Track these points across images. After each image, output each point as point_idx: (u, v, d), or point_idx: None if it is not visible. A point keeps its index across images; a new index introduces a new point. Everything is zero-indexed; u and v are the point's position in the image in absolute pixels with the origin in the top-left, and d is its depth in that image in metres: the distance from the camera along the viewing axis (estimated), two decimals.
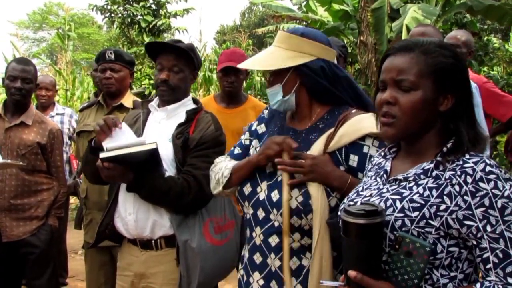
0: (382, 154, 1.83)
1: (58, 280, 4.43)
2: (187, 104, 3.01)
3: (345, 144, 2.17)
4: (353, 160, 2.17)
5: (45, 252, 3.86)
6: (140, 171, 2.71)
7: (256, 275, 2.29)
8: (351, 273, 1.51)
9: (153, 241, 2.85)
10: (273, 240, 2.24)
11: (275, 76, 2.30)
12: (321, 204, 2.12)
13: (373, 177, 1.79)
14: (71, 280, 5.78)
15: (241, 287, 2.37)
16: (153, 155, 2.64)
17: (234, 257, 2.97)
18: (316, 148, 2.21)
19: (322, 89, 2.28)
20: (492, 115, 4.24)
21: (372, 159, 1.89)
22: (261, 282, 2.26)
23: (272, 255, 2.24)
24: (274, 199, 2.20)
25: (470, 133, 1.59)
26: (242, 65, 2.42)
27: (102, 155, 2.60)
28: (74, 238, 6.52)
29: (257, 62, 2.35)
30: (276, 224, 2.21)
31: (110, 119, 2.71)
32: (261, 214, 2.25)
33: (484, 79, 4.46)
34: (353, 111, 2.23)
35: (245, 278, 2.35)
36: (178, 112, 2.96)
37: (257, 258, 2.30)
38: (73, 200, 9.56)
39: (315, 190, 2.13)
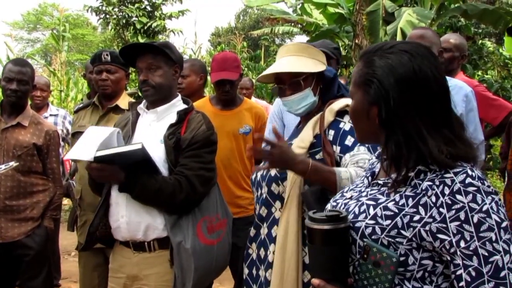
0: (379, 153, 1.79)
1: (53, 281, 4.41)
2: (177, 104, 3.01)
3: (329, 122, 2.46)
4: (330, 134, 2.45)
5: (40, 253, 3.84)
6: (131, 171, 2.72)
7: (253, 246, 2.60)
8: (314, 281, 1.49)
9: (146, 243, 2.84)
10: (263, 211, 2.55)
11: (300, 82, 2.54)
12: (294, 174, 2.39)
13: (362, 178, 1.75)
14: (64, 282, 5.77)
15: (246, 262, 2.66)
16: (142, 155, 2.65)
17: (227, 256, 3.00)
18: (305, 133, 2.50)
19: (334, 93, 2.60)
20: (483, 118, 4.23)
21: (370, 158, 1.88)
22: (256, 251, 2.57)
23: (264, 224, 2.54)
24: (264, 175, 2.56)
25: (434, 147, 1.45)
26: (272, 70, 2.62)
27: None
28: (67, 239, 6.50)
29: (289, 66, 2.55)
30: (264, 195, 2.53)
31: None
32: (258, 192, 2.60)
33: (475, 83, 4.46)
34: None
35: (245, 252, 2.66)
36: (168, 113, 2.96)
37: (252, 231, 2.62)
38: (66, 202, 9.53)
39: None
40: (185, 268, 2.73)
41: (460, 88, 3.56)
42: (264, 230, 2.54)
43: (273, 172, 2.51)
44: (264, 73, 2.65)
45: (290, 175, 2.40)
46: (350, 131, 2.41)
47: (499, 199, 1.44)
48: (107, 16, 12.68)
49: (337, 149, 2.42)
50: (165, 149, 2.81)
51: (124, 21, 12.43)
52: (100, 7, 12.53)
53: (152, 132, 2.91)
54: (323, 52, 3.81)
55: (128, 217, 2.82)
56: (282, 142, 2.27)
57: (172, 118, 2.91)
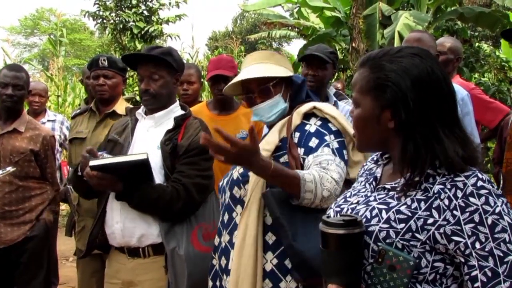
0: (375, 159, 1.80)
1: (50, 286, 4.39)
2: (175, 110, 3.02)
3: (296, 125, 2.39)
4: (296, 137, 2.38)
5: (37, 254, 3.83)
6: (129, 180, 2.71)
7: (216, 256, 2.48)
8: (332, 286, 1.49)
9: (140, 249, 2.85)
10: (226, 217, 2.44)
11: (269, 89, 2.45)
12: (257, 176, 2.25)
13: (363, 183, 1.75)
14: (62, 287, 5.76)
15: (210, 273, 2.52)
16: (144, 165, 2.64)
17: None
18: (271, 136, 2.42)
19: (302, 99, 2.52)
20: (479, 121, 4.24)
21: (365, 164, 1.87)
22: (218, 261, 2.45)
23: (225, 231, 2.43)
24: (228, 179, 2.47)
25: (451, 148, 1.49)
26: (240, 78, 2.50)
27: (92, 163, 2.61)
28: (65, 245, 6.51)
29: (257, 72, 2.45)
30: (227, 201, 2.42)
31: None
32: (222, 198, 2.51)
33: (471, 86, 4.47)
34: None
35: (210, 263, 2.54)
36: (166, 119, 2.97)
37: (216, 240, 2.51)
38: (64, 207, 9.51)
39: None
40: (178, 275, 2.73)
41: (456, 91, 3.56)
42: (225, 238, 2.44)
43: (235, 175, 2.42)
44: (232, 82, 2.55)
45: (252, 177, 2.32)
46: (315, 133, 2.37)
47: (507, 201, 1.48)
48: (104, 21, 12.65)
49: (301, 151, 2.35)
50: (162, 155, 2.82)
51: (121, 26, 12.39)
52: (97, 12, 12.50)
53: (149, 137, 2.92)
54: (319, 57, 3.86)
55: (123, 223, 2.82)
56: (247, 143, 2.02)
57: (170, 124, 2.91)
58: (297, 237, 2.15)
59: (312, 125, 2.40)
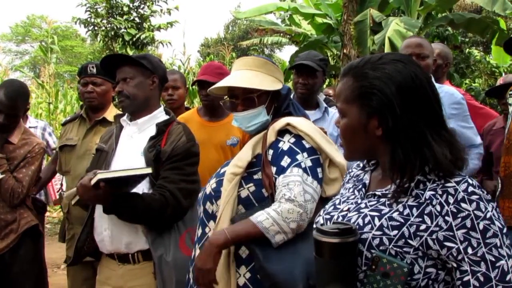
0: (361, 165, 1.79)
1: None
2: (159, 116, 3.01)
3: (271, 142, 2.35)
4: (269, 154, 2.34)
5: (24, 266, 3.77)
6: (117, 193, 2.67)
7: (191, 269, 2.42)
8: None
9: (130, 255, 2.85)
10: (199, 231, 2.42)
11: (254, 99, 2.42)
12: (228, 193, 2.27)
13: (351, 190, 1.75)
14: None
15: (187, 286, 2.48)
16: (141, 178, 2.67)
17: None
18: (244, 152, 2.38)
19: (281, 112, 2.47)
20: None
21: (350, 170, 1.86)
22: (192, 274, 2.39)
23: (197, 245, 2.40)
24: (203, 193, 2.44)
25: (440, 152, 1.50)
26: (227, 83, 2.49)
27: (100, 175, 2.54)
28: (57, 252, 6.47)
29: (245, 81, 2.43)
30: (201, 215, 2.40)
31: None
32: (198, 211, 2.48)
33: (461, 92, 4.50)
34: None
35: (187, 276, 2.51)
36: (149, 125, 2.96)
37: (193, 252, 2.44)
38: (56, 214, 9.49)
39: (227, 181, 2.30)
40: (167, 281, 2.72)
41: (451, 95, 3.58)
42: (196, 252, 2.39)
43: (208, 189, 2.40)
44: (218, 85, 2.51)
45: (224, 193, 2.29)
46: (288, 151, 2.32)
47: (497, 206, 1.50)
48: (96, 28, 12.63)
49: (273, 169, 2.30)
50: (146, 161, 2.81)
51: (112, 33, 12.38)
52: (88, 19, 12.48)
53: (133, 144, 2.92)
54: (308, 66, 3.88)
55: (111, 230, 2.82)
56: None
57: (154, 130, 2.91)
58: (269, 259, 2.12)
59: (286, 143, 2.35)
